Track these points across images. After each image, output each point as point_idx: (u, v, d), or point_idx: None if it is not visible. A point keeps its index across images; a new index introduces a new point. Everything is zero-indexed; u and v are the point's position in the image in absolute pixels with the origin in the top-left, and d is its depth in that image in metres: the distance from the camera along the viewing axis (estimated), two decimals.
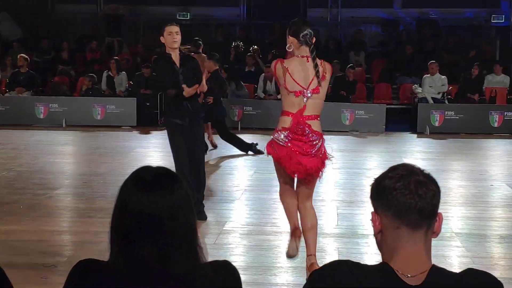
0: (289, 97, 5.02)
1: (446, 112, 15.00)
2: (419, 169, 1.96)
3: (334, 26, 19.71)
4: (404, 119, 16.21)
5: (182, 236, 1.93)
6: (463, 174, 10.13)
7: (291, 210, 5.34)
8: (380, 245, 1.99)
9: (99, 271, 1.96)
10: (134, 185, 1.94)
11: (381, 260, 1.99)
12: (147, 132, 14.49)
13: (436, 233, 1.98)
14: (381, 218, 1.95)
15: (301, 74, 5.00)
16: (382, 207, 1.93)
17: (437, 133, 14.61)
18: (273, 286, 5.22)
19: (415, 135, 14.72)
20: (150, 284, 1.91)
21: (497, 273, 5.38)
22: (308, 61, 5.03)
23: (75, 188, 8.83)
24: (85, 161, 10.98)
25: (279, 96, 15.58)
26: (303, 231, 5.24)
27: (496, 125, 15.02)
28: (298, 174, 5.18)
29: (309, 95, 4.99)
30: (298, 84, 4.98)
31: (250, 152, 11.51)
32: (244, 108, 15.23)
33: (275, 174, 10.19)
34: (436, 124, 14.93)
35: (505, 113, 15.03)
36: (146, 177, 1.95)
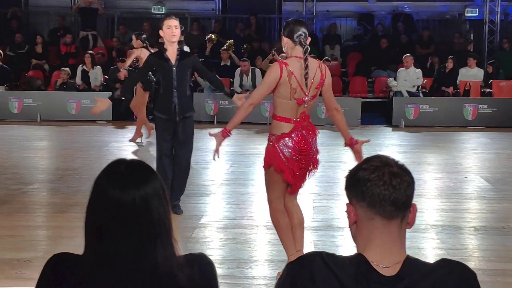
0: (291, 103, 4.89)
1: (421, 105, 15.10)
2: (393, 160, 1.98)
3: (309, 20, 19.70)
4: (379, 113, 16.29)
5: (157, 228, 1.93)
6: (437, 167, 10.21)
7: (289, 234, 5.07)
8: (355, 236, 2.00)
9: (73, 265, 1.95)
10: (108, 178, 1.94)
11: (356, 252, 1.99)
12: (122, 127, 14.43)
13: (410, 224, 1.98)
14: (355, 209, 1.96)
15: (302, 77, 4.87)
16: (357, 198, 1.95)
17: (412, 126, 14.71)
18: (250, 279, 5.23)
19: (390, 128, 14.81)
20: (125, 277, 1.90)
21: (471, 264, 5.43)
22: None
23: (50, 183, 8.77)
24: (60, 156, 10.90)
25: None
26: (291, 227, 5.15)
27: (470, 118, 15.15)
28: (298, 185, 5.07)
29: (308, 100, 4.91)
30: (302, 89, 4.86)
31: (225, 147, 11.47)
32: (220, 102, 15.21)
33: (251, 168, 10.19)
34: (411, 117, 15.03)
35: (479, 106, 15.17)
36: (120, 169, 1.95)
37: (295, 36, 4.91)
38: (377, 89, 17.07)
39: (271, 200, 5.10)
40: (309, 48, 4.94)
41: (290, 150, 4.91)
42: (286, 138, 4.92)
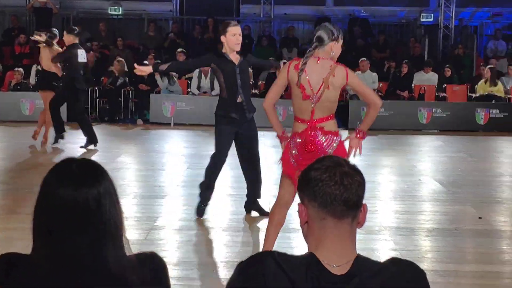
0: (304, 103, 5.00)
1: None
2: (345, 160, 2.00)
3: (266, 23, 19.78)
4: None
5: (108, 228, 1.93)
6: (392, 170, 10.32)
7: (274, 232, 5.25)
8: (306, 235, 2.02)
9: (21, 265, 1.93)
10: (59, 177, 1.92)
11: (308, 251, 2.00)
12: (77, 127, 14.24)
13: (360, 224, 2.00)
14: (307, 209, 1.98)
15: (313, 76, 4.96)
16: (309, 198, 1.96)
17: (368, 129, 14.81)
18: (205, 281, 5.21)
19: (347, 131, 14.91)
20: (75, 277, 1.89)
21: (424, 266, 5.50)
22: (318, 62, 4.97)
23: (2, 184, 8.61)
24: (12, 157, 10.73)
25: (213, 93, 15.57)
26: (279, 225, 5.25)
27: (424, 121, 15.36)
28: None
29: (314, 99, 4.97)
30: (311, 89, 4.96)
31: (182, 149, 11.44)
32: (177, 103, 15.15)
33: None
34: None
35: (433, 109, 15.39)
36: (71, 169, 1.94)
37: (314, 38, 5.08)
38: None
39: (279, 195, 5.31)
40: (311, 49, 5.02)
41: (297, 149, 5.06)
42: (297, 138, 5.07)
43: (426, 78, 16.62)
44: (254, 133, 6.93)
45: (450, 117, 15.32)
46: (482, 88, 15.79)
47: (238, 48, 6.71)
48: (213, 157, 6.98)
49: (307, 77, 4.96)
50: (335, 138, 5.13)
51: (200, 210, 6.99)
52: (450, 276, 5.34)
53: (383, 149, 12.40)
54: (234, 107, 6.75)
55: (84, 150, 11.30)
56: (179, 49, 16.56)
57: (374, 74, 15.89)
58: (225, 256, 5.77)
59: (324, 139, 5.07)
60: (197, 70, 15.73)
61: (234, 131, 6.83)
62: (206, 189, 7.01)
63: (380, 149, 12.49)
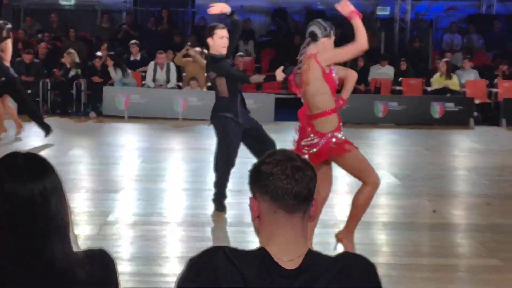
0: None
1: None
2: (296, 154, 2.00)
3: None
4: (293, 109, 16.32)
5: (55, 223, 1.91)
6: None
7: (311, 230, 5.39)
8: (258, 230, 2.02)
9: None
10: (4, 171, 1.89)
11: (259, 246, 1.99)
12: (27, 121, 13.96)
13: (312, 217, 2.00)
14: (259, 203, 1.97)
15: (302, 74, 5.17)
16: (260, 192, 1.96)
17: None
18: (158, 276, 5.13)
19: None
20: (22, 272, 1.87)
21: (379, 259, 5.49)
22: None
23: None
24: None
25: (169, 86, 15.41)
26: None
27: (381, 115, 15.42)
28: None
29: (300, 94, 5.25)
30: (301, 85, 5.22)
31: (136, 142, 11.28)
32: (131, 96, 14.94)
33: (162, 164, 10.09)
34: None
35: (389, 103, 15.45)
36: (17, 162, 1.91)
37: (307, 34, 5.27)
38: (291, 85, 17.14)
39: (371, 171, 5.63)
40: (305, 45, 5.22)
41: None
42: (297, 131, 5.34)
43: (382, 72, 16.70)
44: (255, 121, 7.02)
45: (406, 111, 15.41)
46: (437, 81, 15.93)
47: (224, 51, 6.78)
48: (224, 162, 6.90)
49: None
50: (317, 141, 5.07)
51: (222, 206, 6.97)
52: (405, 269, 5.34)
53: None
54: (236, 105, 6.77)
55: (35, 143, 11.05)
56: (133, 41, 16.37)
57: None
58: (180, 251, 5.70)
59: (306, 141, 5.08)
60: (152, 62, 15.55)
61: (241, 130, 6.83)
62: (223, 190, 7.00)
63: None
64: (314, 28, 5.08)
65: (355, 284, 1.92)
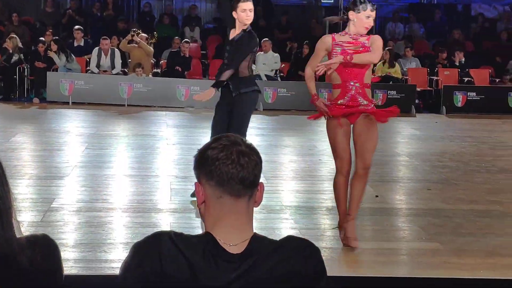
0: None
1: (278, 89, 15.34)
2: (242, 139, 2.01)
3: (168, 1, 19.52)
4: None
5: None
6: (293, 149, 10.42)
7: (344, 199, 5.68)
8: (204, 215, 2.02)
9: None
10: None
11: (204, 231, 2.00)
12: None
13: (257, 202, 2.02)
14: (204, 188, 1.98)
15: None
16: (206, 177, 1.96)
17: (270, 109, 14.92)
18: (103, 262, 5.12)
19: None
20: None
21: (323, 244, 5.59)
22: None
23: None
24: None
25: (114, 71, 15.25)
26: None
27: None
28: None
29: None
30: None
31: (81, 128, 11.17)
32: (75, 82, 14.74)
33: (108, 150, 10.02)
34: (269, 100, 15.24)
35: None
36: None
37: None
38: None
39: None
40: None
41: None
42: None
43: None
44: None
45: None
46: (380, 69, 16.14)
47: (248, 22, 6.78)
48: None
49: None
50: None
51: None
52: (348, 253, 5.44)
53: (285, 129, 12.51)
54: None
55: None
56: (77, 26, 16.15)
57: (276, 54, 15.98)
58: (125, 237, 5.69)
59: None
60: (96, 48, 15.37)
61: None
62: None
63: (282, 129, 12.61)
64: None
65: (299, 268, 1.94)
